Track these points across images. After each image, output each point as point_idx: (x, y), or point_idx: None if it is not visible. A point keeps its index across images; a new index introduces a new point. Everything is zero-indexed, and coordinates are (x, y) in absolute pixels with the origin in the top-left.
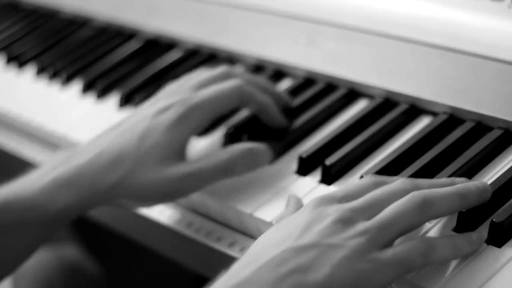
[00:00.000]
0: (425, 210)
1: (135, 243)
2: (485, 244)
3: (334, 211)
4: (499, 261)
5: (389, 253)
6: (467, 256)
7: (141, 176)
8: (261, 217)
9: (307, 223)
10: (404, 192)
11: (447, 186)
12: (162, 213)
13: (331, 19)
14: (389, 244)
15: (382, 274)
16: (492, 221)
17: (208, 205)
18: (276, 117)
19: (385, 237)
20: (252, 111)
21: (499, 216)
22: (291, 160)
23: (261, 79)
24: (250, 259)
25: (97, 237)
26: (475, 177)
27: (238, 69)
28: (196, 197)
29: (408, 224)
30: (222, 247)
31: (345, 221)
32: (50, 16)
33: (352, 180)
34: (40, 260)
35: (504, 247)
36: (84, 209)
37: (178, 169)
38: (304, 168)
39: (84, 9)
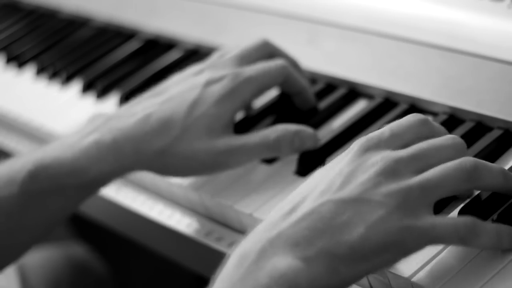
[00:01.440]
0: (473, 179)
1: (137, 243)
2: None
3: (379, 160)
4: (499, 261)
5: (427, 223)
6: (505, 252)
7: (187, 145)
8: (261, 217)
9: (350, 172)
10: (450, 150)
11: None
12: (162, 214)
13: (331, 19)
14: (430, 205)
15: (415, 243)
16: (492, 221)
17: (208, 206)
18: (311, 99)
19: (426, 199)
20: (289, 91)
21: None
22: (290, 160)
23: (296, 63)
24: (291, 208)
25: (102, 237)
26: None
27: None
28: (195, 197)
29: (453, 189)
30: (222, 247)
31: (389, 173)
32: (49, 16)
33: None
34: (48, 259)
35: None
36: (124, 174)
37: (224, 142)
38: (304, 168)
39: (83, 9)
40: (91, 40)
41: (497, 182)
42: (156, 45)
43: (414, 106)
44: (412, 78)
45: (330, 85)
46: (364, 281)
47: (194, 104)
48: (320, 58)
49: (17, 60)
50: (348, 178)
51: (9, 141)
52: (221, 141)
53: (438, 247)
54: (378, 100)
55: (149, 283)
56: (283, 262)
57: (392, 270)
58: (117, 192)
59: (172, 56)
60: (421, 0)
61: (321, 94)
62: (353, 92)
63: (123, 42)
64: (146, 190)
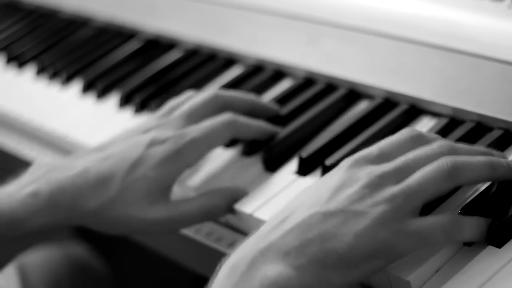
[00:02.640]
0: (453, 178)
1: (137, 243)
2: (485, 245)
3: (365, 175)
4: (499, 261)
5: (413, 225)
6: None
7: (122, 209)
8: (261, 217)
9: (337, 187)
10: (437, 157)
11: (483, 155)
12: None
13: (331, 19)
14: (415, 210)
15: (403, 246)
16: (492, 221)
17: None
18: (270, 134)
19: (411, 204)
20: (244, 139)
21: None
22: (291, 161)
23: (248, 97)
24: (280, 220)
25: (102, 237)
26: None
27: (229, 92)
28: None
29: (435, 191)
30: (222, 247)
31: (374, 186)
32: (50, 16)
33: None
34: (48, 258)
35: (504, 247)
36: (62, 227)
37: (161, 211)
38: (304, 168)
39: (84, 9)
40: (91, 40)
41: (482, 175)
42: (156, 45)
43: (414, 106)
44: (412, 78)
45: (330, 85)
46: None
47: (135, 164)
48: (319, 58)
49: (17, 60)
50: (335, 193)
51: (9, 141)
52: (158, 208)
53: (437, 248)
54: (378, 100)
55: (149, 283)
56: (274, 270)
57: (392, 271)
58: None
59: (172, 56)
60: (421, 0)
61: (321, 95)
62: (353, 92)
63: (123, 42)
64: None
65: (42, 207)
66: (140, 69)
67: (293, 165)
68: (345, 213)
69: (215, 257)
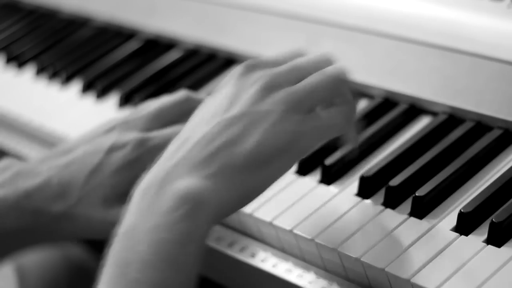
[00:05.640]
0: (344, 82)
1: None
2: (485, 244)
3: (259, 77)
4: (499, 261)
5: (315, 117)
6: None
7: (83, 213)
8: (261, 217)
9: (234, 93)
10: (325, 62)
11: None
12: None
13: (330, 19)
14: (315, 105)
15: (309, 137)
16: (492, 221)
17: None
18: None
19: (312, 100)
20: None
21: (499, 216)
22: None
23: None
24: (184, 138)
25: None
26: (475, 177)
27: (201, 95)
28: None
29: (331, 91)
30: (222, 247)
31: (271, 87)
32: (49, 16)
33: (352, 180)
34: (46, 259)
35: (504, 247)
36: (29, 233)
37: (118, 215)
38: (304, 168)
39: (83, 9)
40: (91, 40)
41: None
42: (156, 45)
43: (414, 106)
44: (411, 78)
45: None
46: (364, 281)
47: (93, 171)
48: None
49: (17, 60)
50: (233, 99)
51: (9, 141)
52: (116, 211)
53: (439, 247)
54: (377, 100)
55: None
56: (185, 182)
57: (392, 271)
58: None
59: (172, 56)
60: (421, 0)
61: None
62: (353, 92)
63: (123, 42)
64: None
65: (8, 213)
66: (140, 69)
67: None
68: (247, 115)
69: (215, 257)
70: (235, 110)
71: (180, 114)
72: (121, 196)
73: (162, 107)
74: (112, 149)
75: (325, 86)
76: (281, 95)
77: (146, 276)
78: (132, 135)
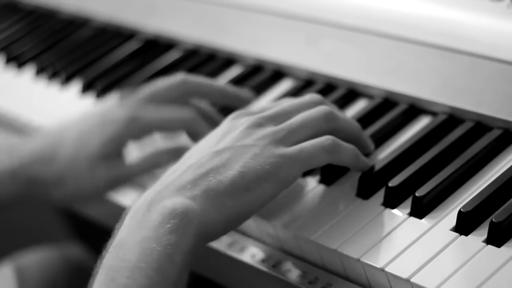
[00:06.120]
0: (330, 120)
1: None
2: (485, 244)
3: (246, 120)
4: (499, 261)
5: (296, 148)
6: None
7: (73, 176)
8: (261, 217)
9: (224, 132)
10: (311, 105)
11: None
12: None
13: (331, 19)
14: (297, 142)
15: (289, 167)
16: (492, 221)
17: None
18: (235, 97)
19: (293, 137)
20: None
21: (499, 216)
22: None
23: (219, 85)
24: (177, 167)
25: (100, 237)
26: (475, 176)
27: (198, 78)
28: None
29: (315, 130)
30: (222, 247)
31: (256, 126)
32: (49, 16)
33: (352, 181)
34: (45, 260)
35: (504, 247)
36: (26, 201)
37: (105, 175)
38: (306, 172)
39: (83, 9)
40: (90, 40)
41: (353, 127)
42: (156, 45)
43: (414, 106)
44: (411, 78)
45: (329, 85)
46: (364, 281)
47: (82, 137)
48: (319, 58)
49: (17, 60)
50: (222, 137)
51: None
52: (103, 172)
53: (439, 247)
54: (377, 100)
55: None
56: (172, 201)
57: (392, 271)
58: (115, 192)
59: (172, 56)
60: (421, 0)
61: (321, 94)
62: (353, 92)
63: (123, 42)
64: (143, 188)
65: (3, 180)
66: (140, 69)
67: None
68: (233, 148)
69: (215, 258)
70: (222, 144)
71: (176, 96)
72: (108, 159)
73: (157, 89)
74: (104, 123)
75: (309, 125)
76: (265, 131)
77: (135, 282)
78: (124, 113)
